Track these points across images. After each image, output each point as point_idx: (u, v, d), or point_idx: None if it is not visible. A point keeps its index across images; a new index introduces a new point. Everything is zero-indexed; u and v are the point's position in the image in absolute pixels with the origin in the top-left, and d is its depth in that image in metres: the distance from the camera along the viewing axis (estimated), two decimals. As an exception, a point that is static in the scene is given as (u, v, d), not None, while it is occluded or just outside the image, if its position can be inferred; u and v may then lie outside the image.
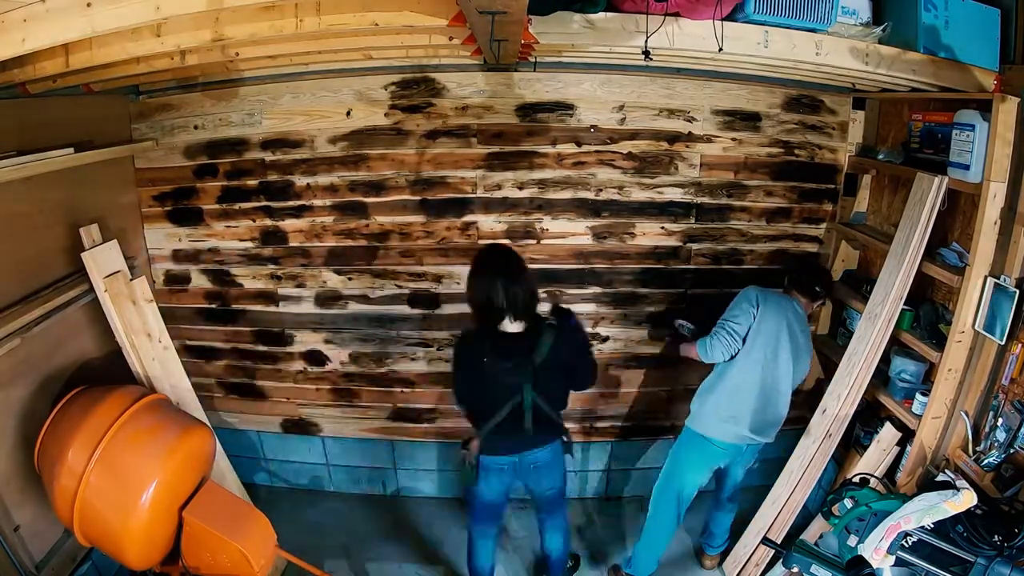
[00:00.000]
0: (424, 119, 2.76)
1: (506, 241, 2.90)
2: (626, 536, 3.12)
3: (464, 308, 3.00)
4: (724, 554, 2.89)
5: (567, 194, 2.87)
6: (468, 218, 2.90)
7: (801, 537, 2.52)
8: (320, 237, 2.95)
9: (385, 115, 2.77)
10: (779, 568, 2.27)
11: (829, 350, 3.04)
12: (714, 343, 2.44)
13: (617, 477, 3.37)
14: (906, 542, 1.93)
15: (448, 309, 3.04)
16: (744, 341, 2.42)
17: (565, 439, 2.36)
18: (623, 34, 1.89)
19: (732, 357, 2.45)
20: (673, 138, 2.81)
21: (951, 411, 2.30)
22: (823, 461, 2.61)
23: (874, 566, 1.95)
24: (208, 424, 2.37)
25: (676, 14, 1.85)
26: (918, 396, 2.42)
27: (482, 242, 2.92)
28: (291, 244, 2.97)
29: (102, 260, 2.37)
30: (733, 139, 2.84)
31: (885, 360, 2.57)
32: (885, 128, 2.78)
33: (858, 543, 2.02)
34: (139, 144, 2.78)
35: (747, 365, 2.43)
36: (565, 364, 2.20)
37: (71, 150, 2.23)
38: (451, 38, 1.97)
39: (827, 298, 2.80)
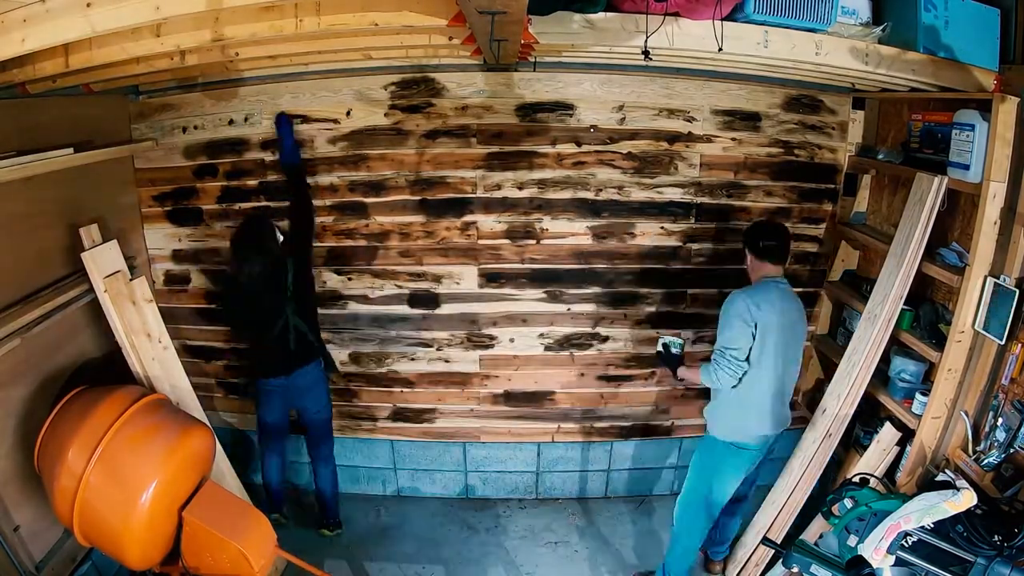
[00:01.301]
0: (424, 119, 2.76)
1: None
2: (626, 535, 3.12)
3: (464, 308, 3.03)
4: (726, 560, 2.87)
5: (567, 194, 2.87)
6: (468, 218, 2.90)
7: (801, 537, 2.52)
8: (320, 237, 2.95)
9: (385, 115, 2.77)
10: (779, 568, 2.27)
11: (829, 350, 3.04)
12: (720, 373, 2.29)
13: (617, 477, 3.37)
14: (906, 542, 1.93)
15: (448, 309, 3.04)
16: (749, 360, 2.28)
17: (324, 361, 2.81)
18: (623, 34, 1.89)
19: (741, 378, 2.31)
20: (673, 138, 2.81)
21: (951, 411, 2.30)
22: (823, 461, 2.61)
23: (874, 566, 1.96)
24: (208, 424, 2.36)
25: (676, 14, 1.85)
26: (918, 396, 2.42)
27: (482, 242, 2.92)
28: (291, 244, 2.97)
29: (102, 260, 2.36)
30: (733, 139, 2.84)
31: (885, 360, 2.57)
32: (885, 128, 2.78)
33: (858, 543, 2.02)
34: (139, 144, 2.78)
35: (760, 375, 2.30)
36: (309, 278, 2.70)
37: (71, 150, 2.23)
38: (451, 38, 1.98)
39: (785, 249, 2.40)
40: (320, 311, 3.05)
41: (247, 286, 2.55)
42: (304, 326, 2.65)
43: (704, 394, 2.68)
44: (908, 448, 2.43)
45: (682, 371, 2.56)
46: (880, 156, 2.67)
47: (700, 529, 2.55)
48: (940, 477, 2.08)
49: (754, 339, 2.27)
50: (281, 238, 2.60)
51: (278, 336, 2.61)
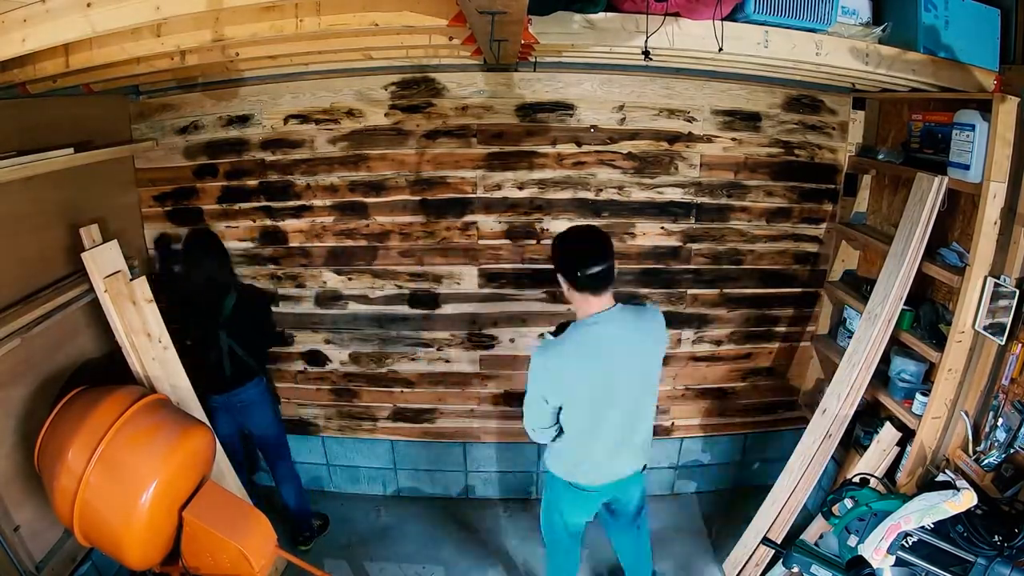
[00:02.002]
0: (424, 119, 2.76)
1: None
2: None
3: (464, 308, 3.03)
4: None
5: (567, 194, 2.87)
6: (468, 218, 2.90)
7: (801, 537, 2.52)
8: (320, 237, 2.95)
9: (385, 115, 2.77)
10: (779, 568, 2.28)
11: (829, 350, 3.04)
12: (531, 433, 2.07)
13: (617, 477, 3.36)
14: (906, 542, 1.93)
15: (448, 309, 3.04)
16: (559, 417, 2.00)
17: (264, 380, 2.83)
18: (623, 34, 1.89)
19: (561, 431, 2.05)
20: (673, 138, 2.81)
21: (951, 411, 2.30)
22: (823, 461, 2.61)
23: (874, 566, 1.95)
24: (208, 424, 2.37)
25: (676, 14, 1.85)
26: (918, 396, 2.42)
27: (482, 242, 2.92)
28: (291, 244, 2.97)
29: (102, 260, 2.36)
30: (733, 139, 2.84)
31: (885, 360, 2.56)
32: (885, 128, 2.78)
33: (858, 543, 2.03)
34: (139, 144, 2.78)
35: (583, 429, 2.01)
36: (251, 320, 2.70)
37: (71, 150, 2.23)
38: (451, 38, 1.98)
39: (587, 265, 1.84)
40: (320, 311, 3.06)
41: (187, 293, 2.62)
42: (242, 351, 2.67)
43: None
44: (908, 448, 2.43)
45: None
46: (880, 156, 2.67)
47: (567, 556, 2.51)
48: (940, 477, 2.08)
49: (557, 390, 1.94)
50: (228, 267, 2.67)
51: (215, 357, 2.64)
